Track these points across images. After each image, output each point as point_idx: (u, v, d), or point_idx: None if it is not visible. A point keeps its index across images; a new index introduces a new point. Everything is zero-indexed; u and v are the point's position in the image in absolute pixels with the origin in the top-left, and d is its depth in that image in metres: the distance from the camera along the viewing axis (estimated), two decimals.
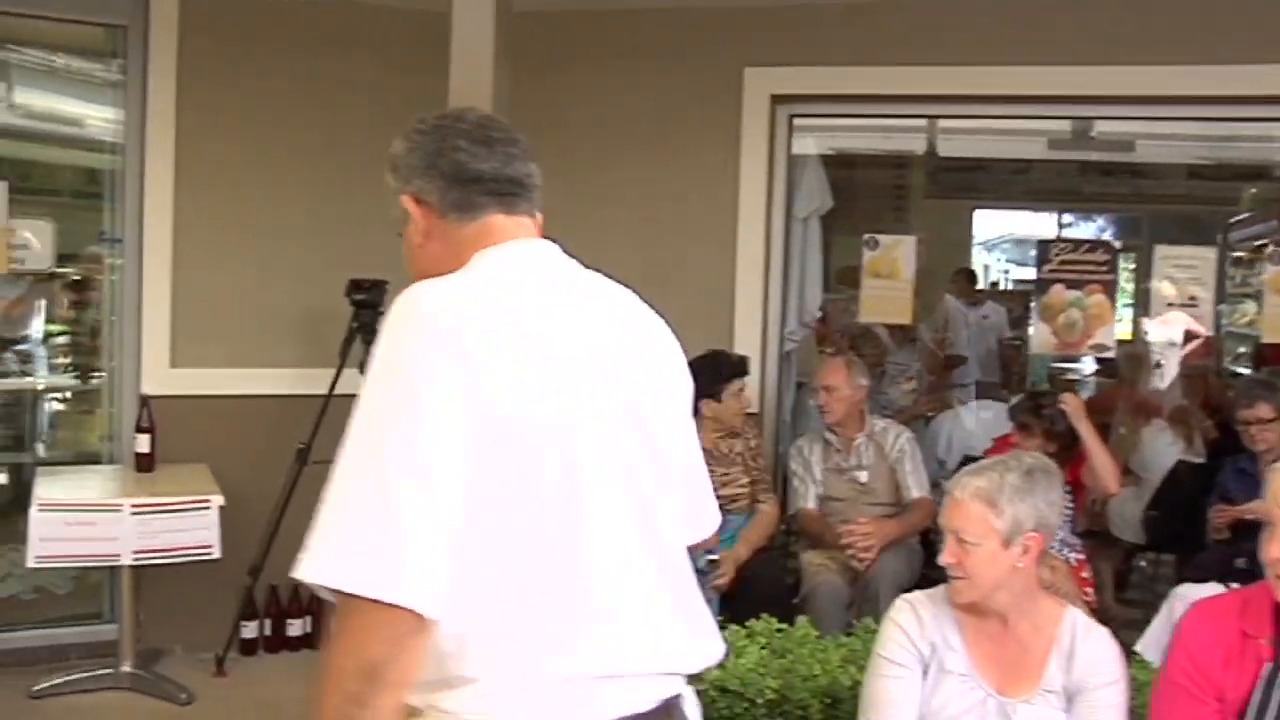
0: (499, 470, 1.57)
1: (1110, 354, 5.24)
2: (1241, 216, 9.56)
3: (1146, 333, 6.65)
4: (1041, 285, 5.12)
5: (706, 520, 1.95)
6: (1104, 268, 5.04)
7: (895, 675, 2.60)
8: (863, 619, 4.30)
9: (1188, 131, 9.08)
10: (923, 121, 9.05)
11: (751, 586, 4.41)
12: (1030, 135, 10.38)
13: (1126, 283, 9.36)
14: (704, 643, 1.78)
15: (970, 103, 5.32)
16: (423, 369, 1.55)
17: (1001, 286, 13.62)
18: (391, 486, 1.51)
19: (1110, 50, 4.79)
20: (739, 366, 4.67)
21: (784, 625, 3.13)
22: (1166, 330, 6.58)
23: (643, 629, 1.67)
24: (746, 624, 3.09)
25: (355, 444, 1.55)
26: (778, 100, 5.19)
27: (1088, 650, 2.57)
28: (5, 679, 4.61)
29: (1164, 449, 5.53)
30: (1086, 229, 14.83)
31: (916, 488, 4.77)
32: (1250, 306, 9.62)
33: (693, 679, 1.82)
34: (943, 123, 9.32)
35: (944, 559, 2.60)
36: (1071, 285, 5.06)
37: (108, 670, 4.69)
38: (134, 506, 4.36)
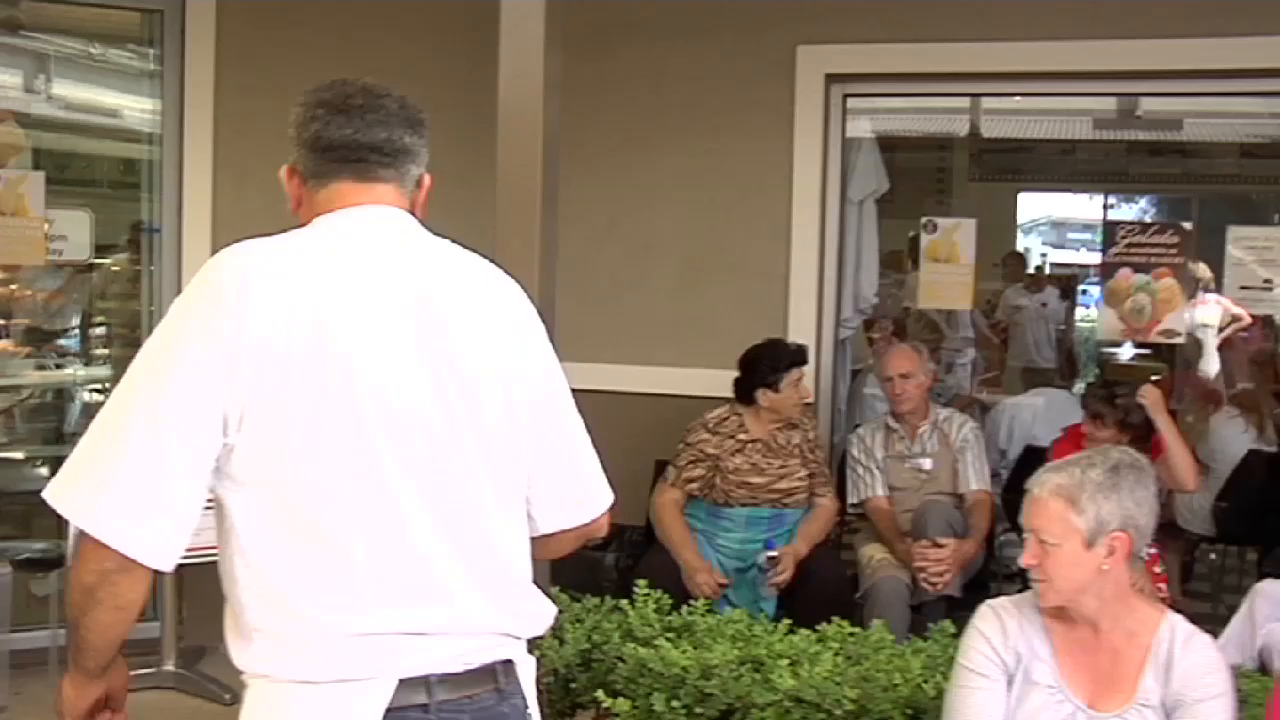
0: (275, 432, 1.62)
1: (1180, 340, 5.06)
2: None
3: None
4: (1107, 269, 4.94)
5: (589, 499, 1.95)
6: (1173, 250, 4.86)
7: (979, 686, 2.44)
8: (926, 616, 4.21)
9: (1240, 108, 8.91)
10: (966, 103, 8.95)
11: (810, 583, 4.27)
12: (1075, 115, 10.24)
13: None
14: (517, 607, 1.80)
15: (1029, 80, 5.13)
16: (196, 326, 1.64)
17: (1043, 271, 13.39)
18: (129, 433, 1.60)
19: (1175, 23, 4.59)
20: (797, 355, 4.51)
21: (856, 629, 2.98)
22: (1204, 313, 6.39)
23: (438, 590, 1.69)
24: (817, 628, 2.94)
25: (121, 386, 1.66)
26: (832, 79, 5.01)
27: (1188, 660, 2.40)
28: (47, 678, 4.53)
29: (1234, 438, 5.32)
30: (1130, 210, 14.60)
31: (976, 479, 4.61)
32: None
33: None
34: (986, 104, 9.23)
35: (1025, 560, 2.44)
36: (1139, 269, 4.89)
37: (150, 669, 4.62)
38: None
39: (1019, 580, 4.92)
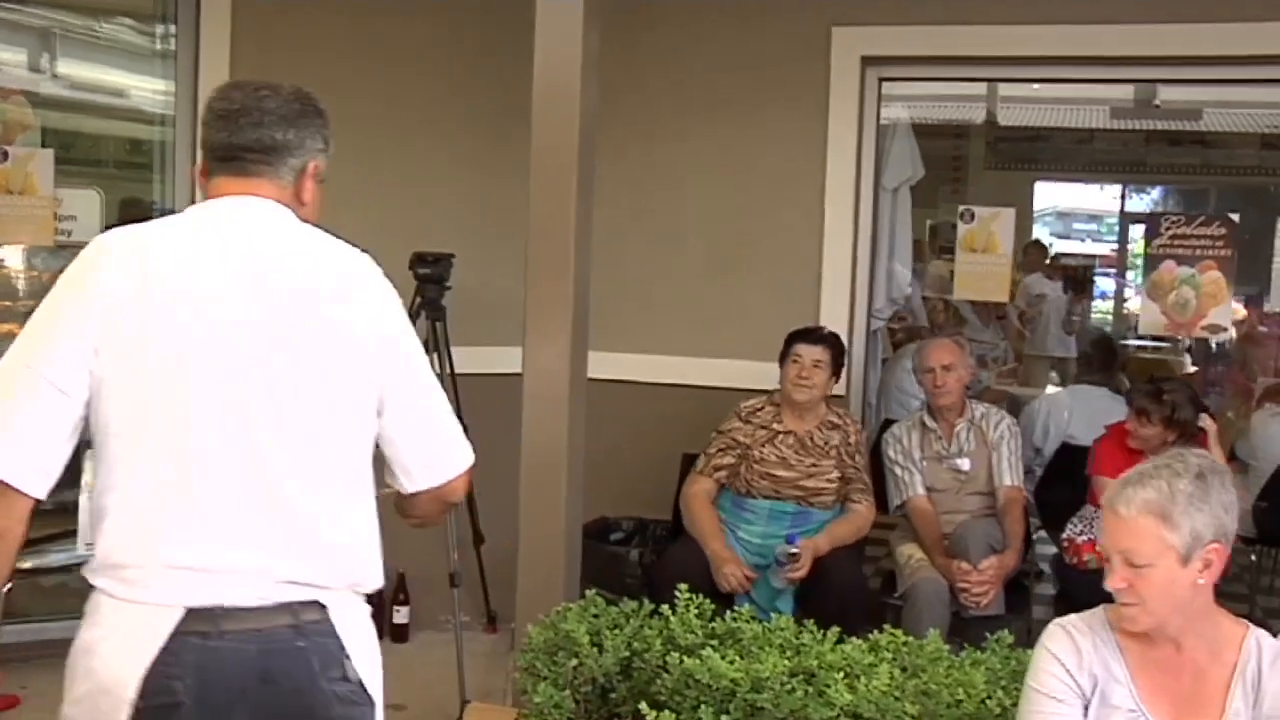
0: (112, 375, 1.90)
1: (1226, 335, 4.90)
2: None
3: None
4: (1151, 261, 4.80)
5: (438, 463, 2.13)
6: (1219, 243, 4.71)
7: (1054, 712, 2.26)
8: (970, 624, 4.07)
9: (1260, 98, 8.76)
10: (984, 91, 8.81)
11: (826, 586, 4.10)
12: (1093, 103, 10.11)
13: None
14: (320, 559, 1.96)
15: (1068, 65, 4.95)
16: (63, 293, 1.94)
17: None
18: (6, 380, 1.91)
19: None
20: (805, 334, 4.41)
21: (909, 639, 2.83)
22: None
23: (232, 534, 1.90)
24: (870, 635, 2.79)
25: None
26: (868, 62, 4.86)
27: (1278, 679, 2.25)
28: (53, 669, 4.38)
29: (1276, 435, 5.17)
30: (1143, 201, 14.44)
31: (1009, 475, 4.47)
32: None
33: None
34: (1004, 92, 9.10)
35: (1112, 584, 2.23)
36: (1183, 261, 4.74)
37: None
38: None
39: (1054, 579, 4.81)
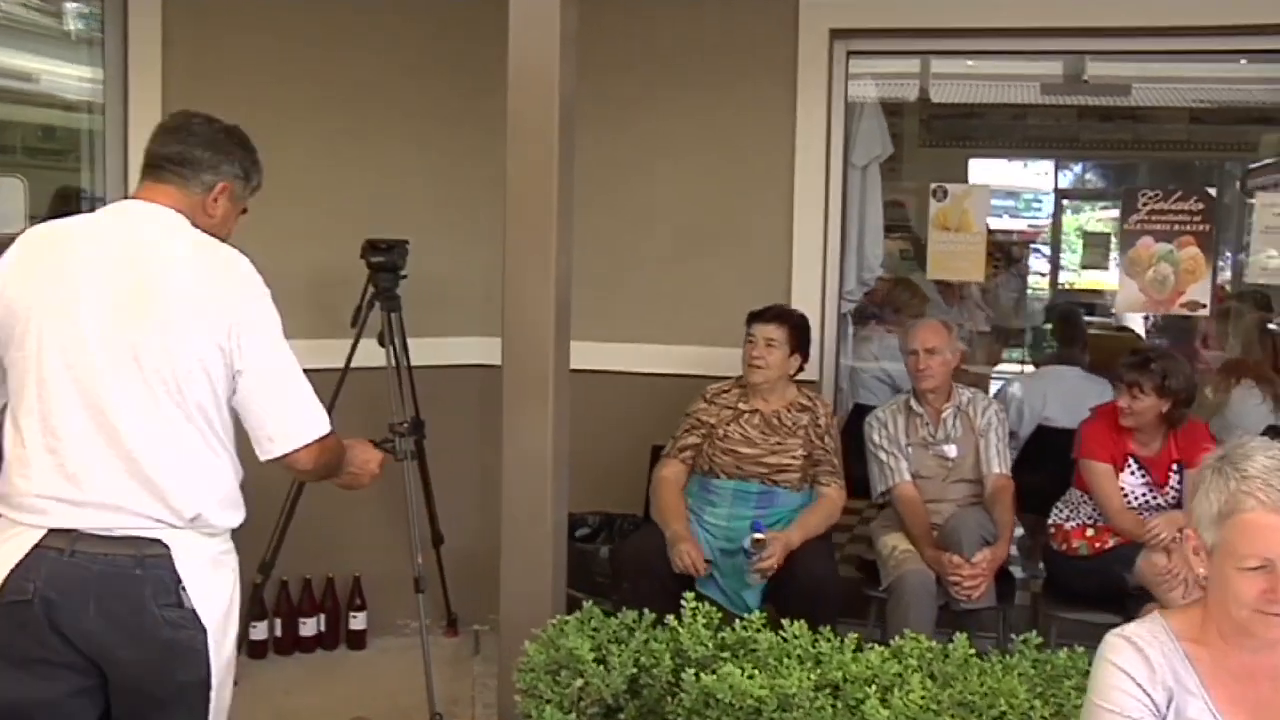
0: (4, 350, 2.38)
1: (1205, 311, 4.81)
2: (1265, 162, 9.15)
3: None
4: (1128, 238, 4.69)
5: (280, 435, 2.44)
6: (1196, 218, 4.62)
7: None
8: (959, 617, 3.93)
9: (1188, 74, 8.77)
10: (917, 68, 8.69)
11: (795, 578, 3.97)
12: (1024, 80, 10.05)
13: None
14: (164, 500, 2.34)
15: (1030, 36, 4.80)
16: None
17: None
18: None
19: None
20: (755, 313, 4.28)
21: (932, 644, 2.65)
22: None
23: (86, 474, 2.31)
24: (890, 642, 2.61)
25: None
26: (836, 35, 4.69)
27: None
28: None
29: (1252, 411, 5.08)
30: (1065, 178, 14.47)
31: (998, 462, 4.33)
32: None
33: None
34: (936, 69, 8.97)
35: (1263, 592, 2.01)
36: (1160, 237, 4.65)
37: None
38: None
39: (1023, 564, 4.70)
